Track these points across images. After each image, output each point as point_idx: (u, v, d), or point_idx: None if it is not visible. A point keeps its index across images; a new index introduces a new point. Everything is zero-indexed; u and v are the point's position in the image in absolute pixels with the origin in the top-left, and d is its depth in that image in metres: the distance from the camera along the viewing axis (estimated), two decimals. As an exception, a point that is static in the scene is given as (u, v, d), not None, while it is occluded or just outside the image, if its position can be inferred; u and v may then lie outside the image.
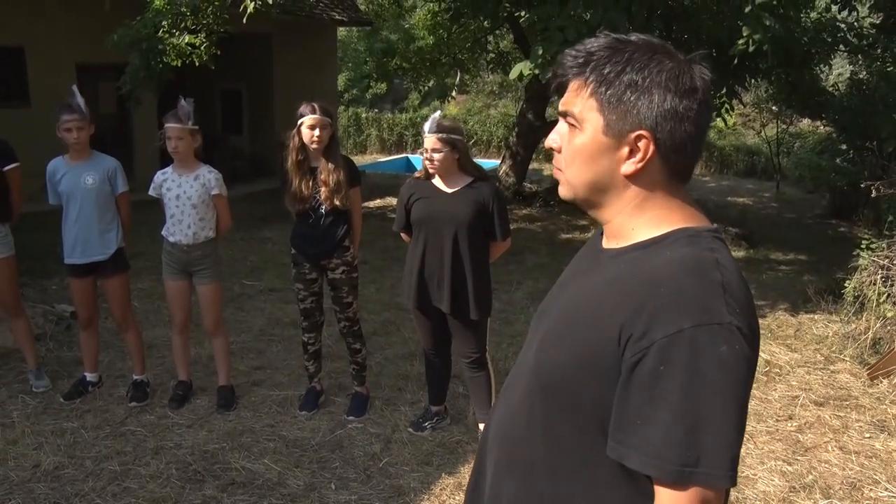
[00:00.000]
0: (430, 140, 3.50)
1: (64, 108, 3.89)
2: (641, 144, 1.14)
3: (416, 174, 3.75)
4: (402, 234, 3.87)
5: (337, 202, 3.83)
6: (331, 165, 3.82)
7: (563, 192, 1.25)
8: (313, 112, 3.75)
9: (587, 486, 1.16)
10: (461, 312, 3.63)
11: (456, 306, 3.61)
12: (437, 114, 3.65)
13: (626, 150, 1.15)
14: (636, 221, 1.19)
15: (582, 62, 1.16)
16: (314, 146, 3.78)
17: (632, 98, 1.12)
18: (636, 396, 1.04)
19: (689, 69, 1.14)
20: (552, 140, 1.23)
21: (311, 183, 3.84)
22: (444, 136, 3.50)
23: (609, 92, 1.13)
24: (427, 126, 3.51)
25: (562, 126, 1.22)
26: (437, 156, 3.50)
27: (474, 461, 1.44)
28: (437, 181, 3.63)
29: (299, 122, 3.78)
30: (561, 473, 1.19)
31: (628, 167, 1.15)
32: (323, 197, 3.83)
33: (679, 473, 1.01)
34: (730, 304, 1.04)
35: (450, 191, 3.60)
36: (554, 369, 1.18)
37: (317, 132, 3.75)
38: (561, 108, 1.21)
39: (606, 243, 1.25)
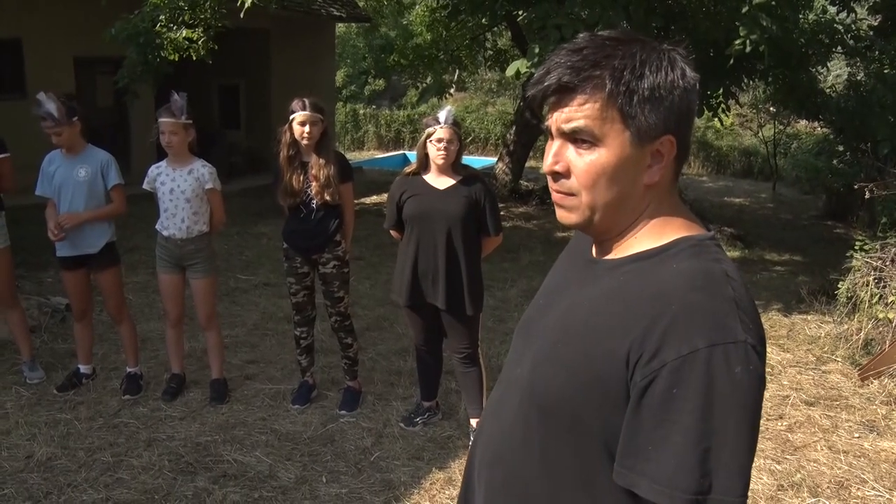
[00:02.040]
0: (446, 131, 3.54)
1: (37, 113, 3.87)
2: (664, 149, 1.08)
3: (407, 170, 3.77)
4: (392, 232, 3.88)
5: (327, 197, 3.85)
6: (321, 161, 3.84)
7: (575, 218, 1.13)
8: (304, 108, 3.78)
9: None
10: (456, 308, 3.66)
11: (451, 302, 3.64)
12: (450, 107, 3.70)
13: (648, 158, 1.08)
14: (640, 231, 1.13)
15: (588, 72, 1.05)
16: (305, 142, 3.81)
17: (657, 103, 1.05)
18: (647, 421, 0.99)
19: (682, 60, 1.08)
20: (554, 165, 1.11)
21: (301, 178, 3.86)
22: (458, 128, 3.59)
23: (635, 100, 1.05)
24: (443, 117, 3.54)
25: (564, 147, 1.11)
26: (452, 147, 3.56)
27: (462, 480, 1.37)
28: (430, 178, 3.66)
29: (291, 117, 3.81)
30: (560, 496, 1.13)
31: (653, 176, 1.09)
32: (314, 192, 3.86)
33: (692, 502, 0.95)
34: (743, 321, 0.99)
35: (442, 187, 3.63)
36: (552, 390, 1.11)
37: (307, 128, 3.78)
38: (564, 127, 1.08)
39: (599, 254, 1.18)
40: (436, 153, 3.56)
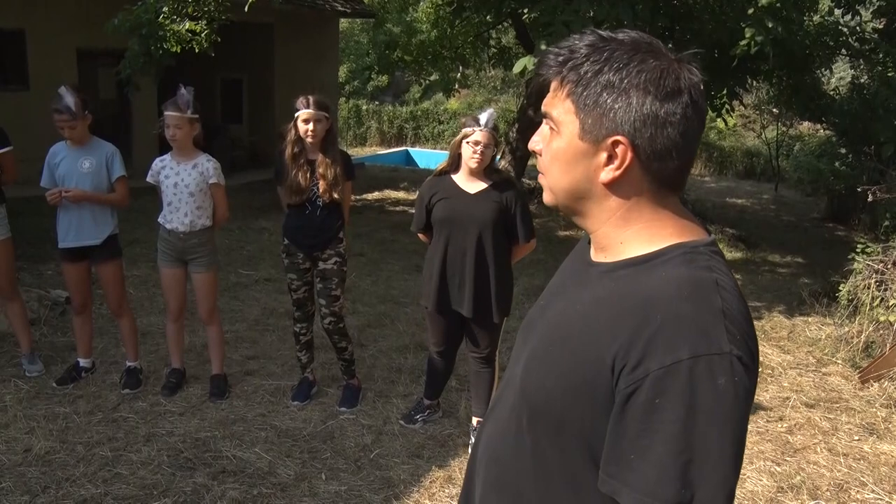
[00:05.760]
0: (484, 135, 3.46)
1: (56, 107, 3.88)
2: (619, 151, 1.06)
3: (437, 168, 3.70)
4: (420, 235, 3.83)
5: (335, 195, 3.83)
6: (328, 160, 3.82)
7: (546, 198, 1.19)
8: (308, 106, 3.75)
9: None
10: (482, 315, 3.60)
11: (477, 309, 3.57)
12: (491, 110, 3.60)
13: (603, 156, 1.08)
14: (623, 234, 1.12)
15: (561, 61, 1.09)
16: (309, 140, 3.79)
17: (608, 101, 1.05)
18: (630, 429, 0.98)
19: (675, 69, 1.05)
20: (534, 142, 1.18)
21: (308, 175, 3.84)
22: (496, 133, 3.51)
23: (585, 93, 1.07)
24: (484, 119, 3.46)
25: (543, 128, 1.16)
26: (488, 151, 3.48)
27: (464, 478, 1.39)
28: (460, 180, 3.60)
29: (295, 115, 3.79)
30: (549, 496, 1.14)
31: (606, 175, 1.08)
32: (321, 190, 3.83)
33: None
34: (730, 332, 0.98)
35: (472, 191, 3.56)
36: (540, 391, 1.12)
37: (311, 126, 3.75)
38: (542, 108, 1.15)
39: (595, 256, 1.18)
40: (470, 155, 3.48)
